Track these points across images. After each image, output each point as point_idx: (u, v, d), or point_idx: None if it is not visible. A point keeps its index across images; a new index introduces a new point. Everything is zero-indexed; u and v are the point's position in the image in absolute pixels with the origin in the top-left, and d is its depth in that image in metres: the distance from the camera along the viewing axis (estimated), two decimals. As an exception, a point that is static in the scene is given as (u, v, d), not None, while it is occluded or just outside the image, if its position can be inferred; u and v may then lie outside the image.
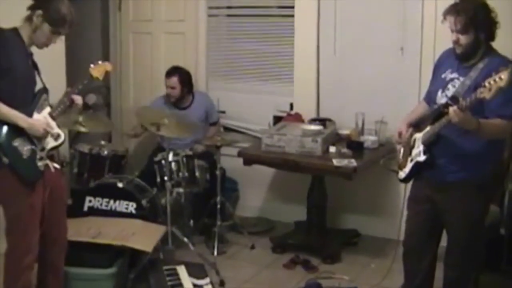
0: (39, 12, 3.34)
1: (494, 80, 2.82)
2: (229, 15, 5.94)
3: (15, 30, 3.40)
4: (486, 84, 2.84)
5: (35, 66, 3.52)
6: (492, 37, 3.25)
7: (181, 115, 5.23)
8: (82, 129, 4.17)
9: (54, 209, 3.62)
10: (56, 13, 3.36)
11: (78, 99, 3.64)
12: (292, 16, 5.47)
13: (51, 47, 3.54)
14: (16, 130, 3.33)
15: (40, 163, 3.43)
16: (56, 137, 3.53)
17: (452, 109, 3.04)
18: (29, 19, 3.37)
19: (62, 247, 3.77)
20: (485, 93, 2.86)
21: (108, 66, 3.76)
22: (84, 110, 4.38)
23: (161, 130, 4.47)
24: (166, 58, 5.94)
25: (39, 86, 3.51)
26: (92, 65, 3.68)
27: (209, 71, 5.98)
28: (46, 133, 3.45)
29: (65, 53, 5.04)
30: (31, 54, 3.49)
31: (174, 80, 5.47)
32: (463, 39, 3.19)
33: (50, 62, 3.67)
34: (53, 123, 3.50)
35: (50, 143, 3.50)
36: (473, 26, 3.16)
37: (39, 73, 3.53)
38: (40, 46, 3.47)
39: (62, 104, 3.56)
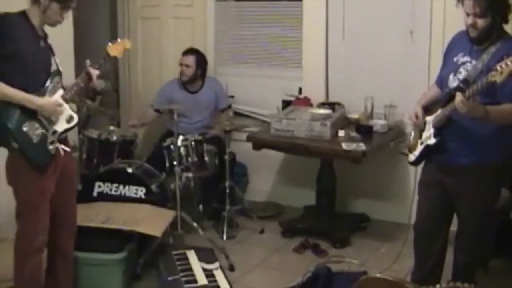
0: None
1: (506, 64, 2.80)
2: (237, 0, 5.91)
3: (22, 14, 3.34)
4: (498, 67, 2.82)
5: (49, 48, 3.47)
6: (506, 20, 3.20)
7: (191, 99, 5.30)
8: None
9: (63, 192, 3.59)
10: None
11: (95, 73, 3.53)
12: (301, 0, 5.44)
13: (59, 32, 3.52)
14: (27, 114, 3.30)
15: (51, 147, 3.40)
16: (69, 119, 3.49)
17: (457, 100, 3.02)
18: (35, 1, 3.31)
19: (71, 231, 3.75)
20: (496, 77, 2.83)
21: (127, 43, 3.66)
22: (94, 96, 4.35)
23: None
24: (174, 43, 5.92)
25: (53, 68, 3.45)
26: (109, 43, 3.58)
27: (218, 55, 5.95)
28: (58, 114, 3.42)
29: (73, 39, 5.02)
30: (44, 36, 3.44)
31: (191, 58, 5.45)
32: (481, 22, 3.13)
33: (59, 47, 3.61)
34: (65, 106, 3.45)
35: (63, 126, 3.46)
36: (492, 10, 3.11)
37: (53, 55, 3.48)
38: (53, 25, 3.42)
39: (75, 86, 3.50)
